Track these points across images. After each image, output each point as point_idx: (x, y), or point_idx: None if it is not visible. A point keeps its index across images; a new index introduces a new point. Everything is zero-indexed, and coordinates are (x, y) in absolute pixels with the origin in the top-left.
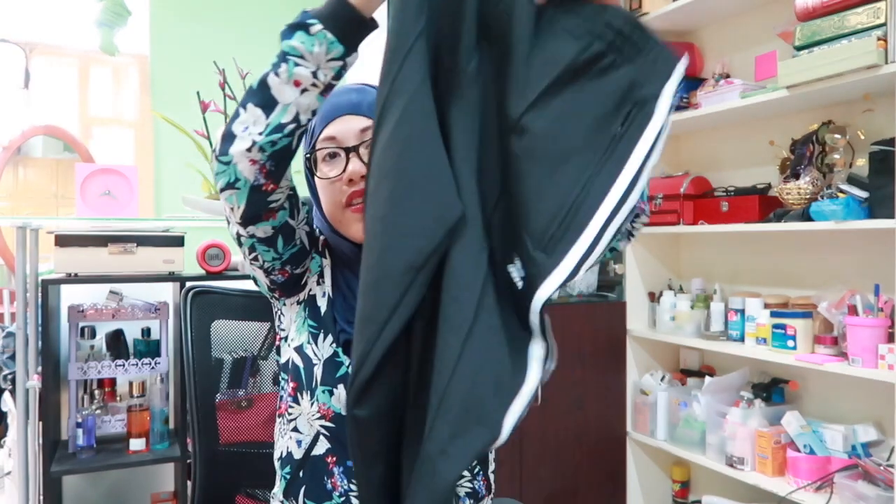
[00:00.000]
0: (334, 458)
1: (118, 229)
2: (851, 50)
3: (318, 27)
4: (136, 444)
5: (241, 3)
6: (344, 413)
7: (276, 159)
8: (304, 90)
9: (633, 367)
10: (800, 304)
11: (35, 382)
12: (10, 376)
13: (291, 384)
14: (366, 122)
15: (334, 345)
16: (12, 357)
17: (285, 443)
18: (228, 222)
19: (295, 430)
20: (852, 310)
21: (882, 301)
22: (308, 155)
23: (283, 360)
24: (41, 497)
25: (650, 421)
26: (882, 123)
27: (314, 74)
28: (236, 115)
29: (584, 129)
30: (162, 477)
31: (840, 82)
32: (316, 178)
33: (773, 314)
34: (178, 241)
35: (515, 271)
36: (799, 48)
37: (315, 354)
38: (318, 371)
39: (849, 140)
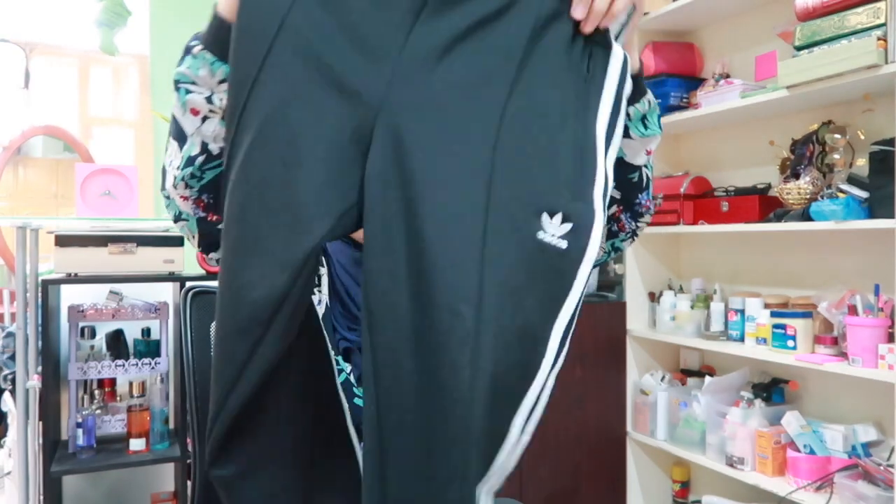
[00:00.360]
0: None
1: (118, 229)
2: (851, 50)
3: (198, 48)
4: (136, 444)
5: None
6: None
7: (209, 191)
8: (203, 118)
9: (633, 367)
10: (800, 304)
11: (35, 382)
12: (10, 376)
13: None
14: None
15: (333, 352)
16: (12, 357)
17: None
18: None
19: None
20: (852, 310)
21: (882, 301)
22: None
23: None
24: (41, 497)
25: (650, 421)
26: (882, 123)
27: (209, 100)
28: (166, 147)
29: (563, 81)
30: (162, 477)
31: (840, 82)
32: None
33: (773, 314)
34: (178, 241)
35: (551, 232)
36: (799, 48)
37: None
38: None
39: (849, 140)
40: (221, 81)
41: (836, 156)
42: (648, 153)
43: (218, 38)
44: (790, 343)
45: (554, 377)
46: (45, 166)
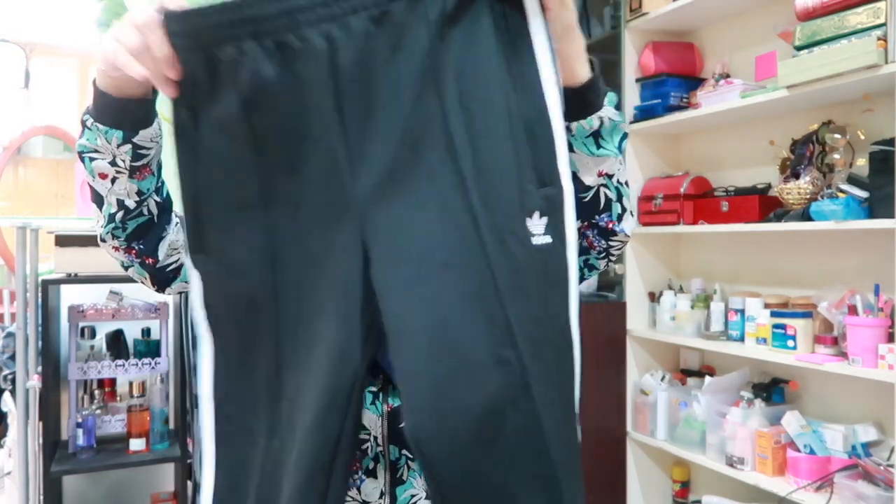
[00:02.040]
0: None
1: None
2: (851, 50)
3: (90, 121)
4: (136, 444)
5: None
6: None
7: (136, 239)
8: (112, 179)
9: (633, 367)
10: (800, 304)
11: (35, 382)
12: (10, 376)
13: None
14: None
15: None
16: (12, 357)
17: None
18: None
19: None
20: (852, 310)
21: (882, 301)
22: None
23: None
24: (41, 497)
25: (650, 421)
26: (882, 123)
27: (112, 163)
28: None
29: (490, 67)
30: (162, 477)
31: (840, 82)
32: None
33: (773, 314)
34: None
35: (537, 232)
36: (799, 48)
37: None
38: None
39: (849, 140)
40: (120, 145)
41: (836, 156)
42: (601, 174)
43: (104, 108)
44: (790, 343)
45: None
46: (45, 166)
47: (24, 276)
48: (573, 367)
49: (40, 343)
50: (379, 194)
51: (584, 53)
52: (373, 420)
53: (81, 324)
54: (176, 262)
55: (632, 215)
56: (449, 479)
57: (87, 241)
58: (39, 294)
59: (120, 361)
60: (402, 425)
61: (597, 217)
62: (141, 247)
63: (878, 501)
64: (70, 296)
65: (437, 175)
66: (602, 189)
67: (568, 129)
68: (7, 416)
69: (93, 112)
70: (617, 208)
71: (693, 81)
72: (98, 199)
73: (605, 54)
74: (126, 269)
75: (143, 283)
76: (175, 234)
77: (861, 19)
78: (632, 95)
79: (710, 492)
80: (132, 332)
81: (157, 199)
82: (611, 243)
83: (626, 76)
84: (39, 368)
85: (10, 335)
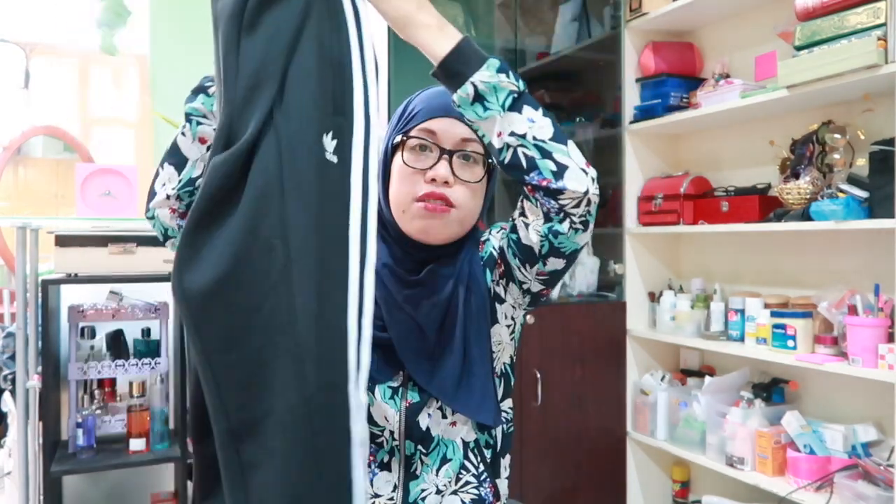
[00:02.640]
0: None
1: (118, 229)
2: (851, 50)
3: (213, 88)
4: (136, 444)
5: None
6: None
7: None
8: (209, 146)
9: (633, 367)
10: (800, 304)
11: (35, 382)
12: (10, 376)
13: None
14: (468, 132)
15: None
16: (12, 357)
17: None
18: None
19: None
20: (852, 310)
21: (882, 301)
22: (402, 137)
23: None
24: (41, 497)
25: (650, 421)
26: (882, 123)
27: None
28: (156, 174)
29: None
30: (162, 477)
31: (840, 82)
32: (397, 162)
33: (773, 314)
34: None
35: (329, 149)
36: (799, 48)
37: None
38: None
39: (849, 140)
40: None
41: (836, 156)
42: (502, 135)
43: None
44: (790, 343)
45: (370, 274)
46: (45, 166)
47: (24, 276)
48: (345, 271)
49: (40, 343)
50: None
51: (441, 30)
52: (391, 415)
53: (81, 324)
54: None
55: (584, 172)
56: (214, 337)
57: (87, 241)
58: (39, 294)
59: (120, 361)
60: (418, 418)
61: (527, 178)
62: None
63: (878, 501)
64: (70, 296)
65: (263, 103)
66: (519, 149)
67: (453, 101)
68: (7, 416)
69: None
70: (548, 165)
71: (693, 81)
72: (178, 161)
73: (605, 54)
74: (167, 239)
75: None
76: None
77: (861, 19)
78: (632, 95)
79: (710, 492)
80: (132, 332)
81: None
82: (561, 202)
83: (626, 76)
84: (39, 368)
85: (10, 335)
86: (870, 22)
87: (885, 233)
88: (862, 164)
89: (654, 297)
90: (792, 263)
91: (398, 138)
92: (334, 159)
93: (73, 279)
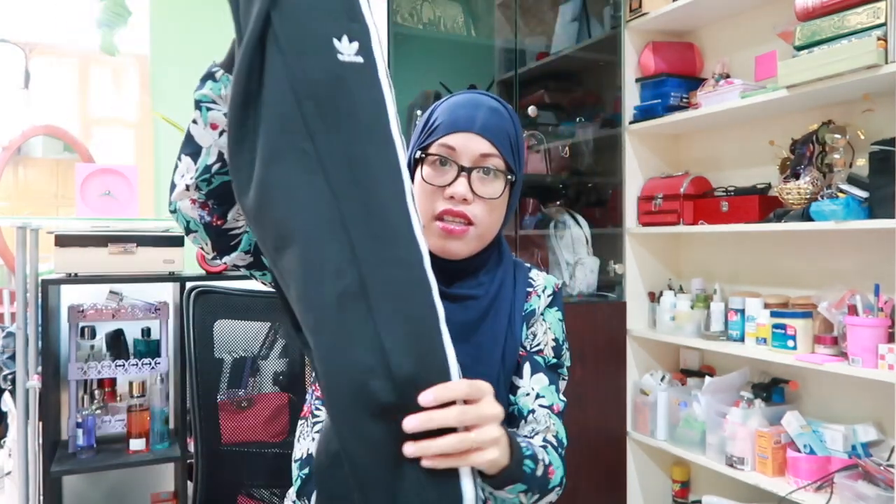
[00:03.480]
0: None
1: (118, 229)
2: (851, 50)
3: (221, 73)
4: (136, 444)
5: None
6: None
7: (214, 198)
8: (221, 132)
9: (633, 367)
10: (800, 304)
11: (35, 382)
12: (10, 376)
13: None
14: (489, 147)
15: None
16: (12, 357)
17: (307, 444)
18: None
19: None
20: (852, 310)
21: (882, 301)
22: (421, 154)
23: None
24: (41, 497)
25: (650, 421)
26: (882, 123)
27: (226, 115)
28: (175, 166)
29: None
30: (162, 477)
31: (840, 82)
32: (417, 177)
33: (773, 314)
34: (178, 241)
35: (347, 52)
36: (799, 48)
37: None
38: None
39: (849, 140)
40: None
41: (836, 156)
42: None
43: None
44: (790, 343)
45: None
46: (45, 166)
47: (24, 276)
48: (400, 181)
49: (40, 343)
50: None
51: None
52: None
53: (81, 324)
54: (241, 228)
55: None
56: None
57: (87, 241)
58: (39, 294)
59: (120, 361)
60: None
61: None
62: (215, 206)
63: (878, 501)
64: (70, 296)
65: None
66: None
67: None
68: (7, 416)
69: (225, 64)
70: None
71: (693, 81)
72: (194, 150)
73: (605, 54)
74: (189, 233)
75: (202, 248)
76: None
77: (861, 19)
78: (632, 95)
79: (710, 492)
80: (132, 332)
81: None
82: None
83: (626, 76)
84: (39, 368)
85: (10, 335)
86: (870, 22)
87: (885, 233)
88: (862, 164)
89: (654, 297)
90: (792, 263)
91: (418, 154)
92: (360, 59)
93: (73, 279)
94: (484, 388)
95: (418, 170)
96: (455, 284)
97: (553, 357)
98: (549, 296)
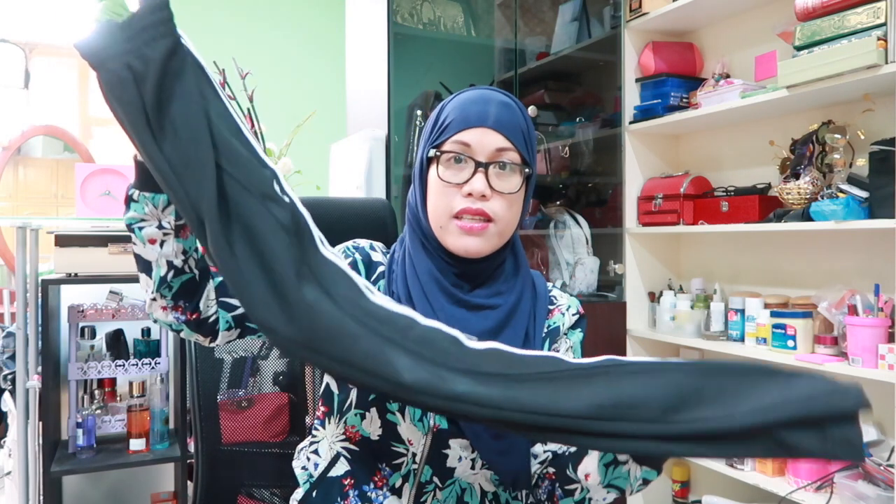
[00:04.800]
0: (352, 481)
1: (118, 229)
2: (851, 50)
3: (136, 193)
4: (136, 444)
5: (241, 3)
6: (373, 438)
7: (182, 297)
8: (161, 242)
9: None
10: (800, 304)
11: (35, 382)
12: (10, 376)
13: (323, 408)
14: (503, 141)
15: None
16: (12, 357)
17: (306, 455)
18: None
19: (315, 452)
20: (852, 310)
21: (882, 301)
22: (435, 152)
23: (322, 384)
24: (41, 497)
25: None
26: (882, 123)
27: (160, 227)
28: (140, 283)
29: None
30: (162, 477)
31: (840, 82)
32: (432, 176)
33: (773, 314)
34: None
35: (279, 191)
36: (799, 48)
37: None
38: (353, 394)
39: (849, 140)
40: (164, 208)
41: (836, 156)
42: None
43: (146, 179)
44: (790, 343)
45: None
46: (45, 166)
47: (24, 276)
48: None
49: (40, 343)
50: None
51: None
52: (417, 436)
53: (81, 324)
54: (214, 313)
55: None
56: None
57: (87, 241)
58: (39, 294)
59: (120, 361)
60: (445, 451)
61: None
62: (186, 304)
63: (878, 501)
64: (70, 296)
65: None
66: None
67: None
68: (7, 416)
69: (137, 184)
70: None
71: (693, 81)
72: (146, 267)
73: (605, 54)
74: (177, 332)
75: (199, 342)
76: (211, 288)
77: (861, 19)
78: (632, 95)
79: (710, 492)
80: (132, 332)
81: (196, 258)
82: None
83: (626, 76)
84: (39, 368)
85: (10, 335)
86: (870, 22)
87: (885, 233)
88: (862, 164)
89: (654, 297)
90: (792, 263)
91: (432, 152)
92: (286, 199)
93: (73, 279)
94: None
95: (432, 168)
96: (474, 291)
97: None
98: (573, 315)
